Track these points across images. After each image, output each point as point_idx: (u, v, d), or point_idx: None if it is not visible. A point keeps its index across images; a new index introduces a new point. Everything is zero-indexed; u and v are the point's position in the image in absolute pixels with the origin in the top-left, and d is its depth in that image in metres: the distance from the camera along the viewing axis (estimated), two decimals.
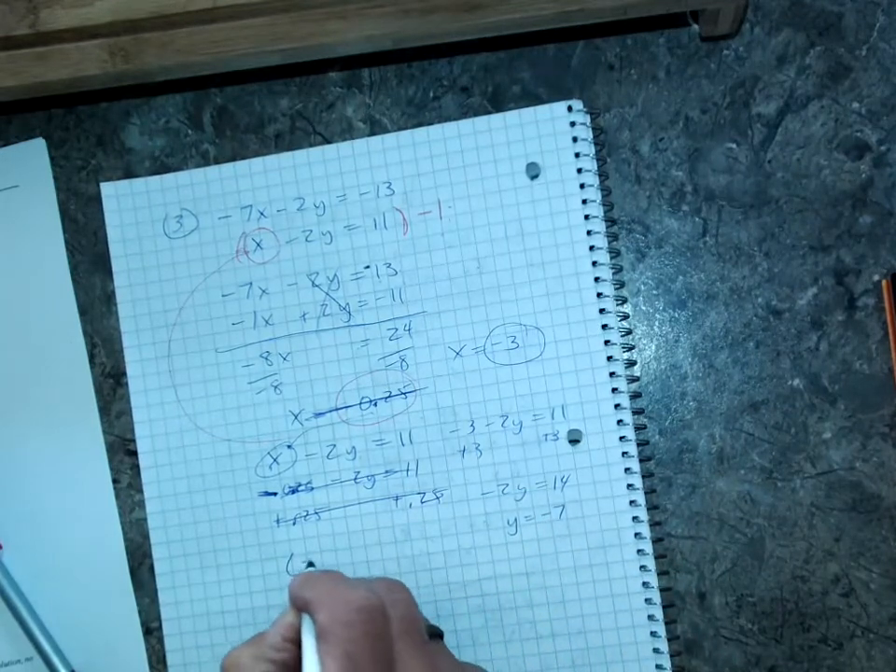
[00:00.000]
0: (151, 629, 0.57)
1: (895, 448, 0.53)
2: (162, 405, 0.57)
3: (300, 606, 0.46)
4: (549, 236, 0.54)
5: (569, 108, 0.54)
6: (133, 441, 0.57)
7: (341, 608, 0.45)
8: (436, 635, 0.49)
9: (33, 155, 0.59)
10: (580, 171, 0.54)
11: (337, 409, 0.55)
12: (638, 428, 0.54)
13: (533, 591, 0.53)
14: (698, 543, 0.54)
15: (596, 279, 0.54)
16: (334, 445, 0.55)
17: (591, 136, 0.55)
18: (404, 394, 0.55)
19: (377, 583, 0.47)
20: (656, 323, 0.55)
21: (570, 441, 0.54)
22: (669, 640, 0.53)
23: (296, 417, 0.56)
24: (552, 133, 0.55)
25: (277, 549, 0.56)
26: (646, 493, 0.53)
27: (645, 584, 0.53)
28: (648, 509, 0.53)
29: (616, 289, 0.54)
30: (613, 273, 0.54)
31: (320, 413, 0.56)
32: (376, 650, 0.44)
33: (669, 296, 0.55)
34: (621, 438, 0.53)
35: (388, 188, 0.56)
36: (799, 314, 0.54)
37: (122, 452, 0.57)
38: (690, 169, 0.55)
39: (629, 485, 0.53)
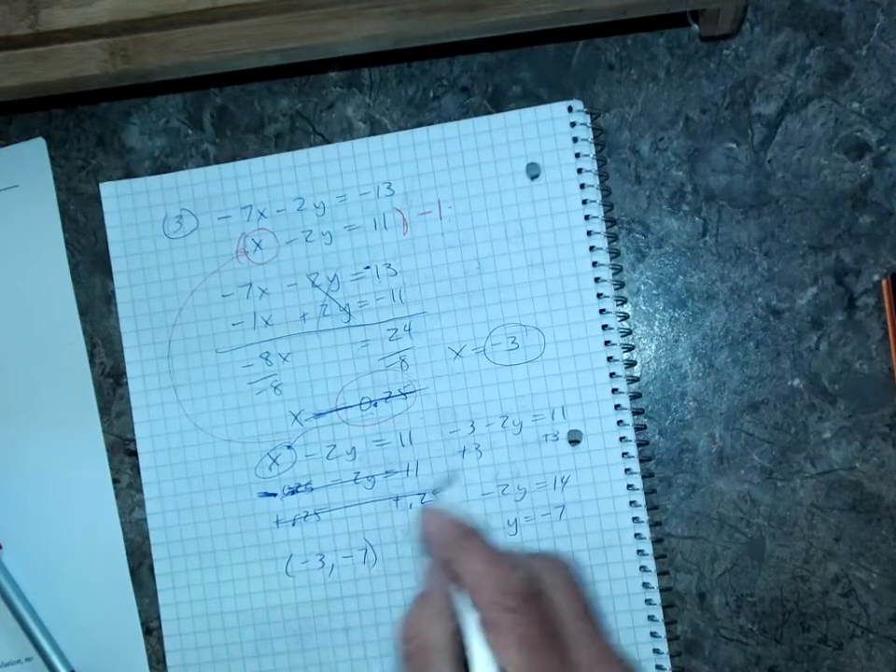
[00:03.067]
0: (151, 629, 0.57)
1: (895, 448, 0.53)
2: (162, 405, 0.57)
3: (444, 566, 0.44)
4: (549, 236, 0.54)
5: (570, 108, 0.54)
6: (133, 441, 0.57)
7: (501, 594, 0.42)
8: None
9: (33, 155, 0.59)
10: (580, 171, 0.54)
11: (337, 409, 0.55)
12: (638, 429, 0.54)
13: None
14: (698, 543, 0.54)
15: (596, 279, 0.54)
16: (334, 446, 0.55)
17: (591, 136, 0.55)
18: (404, 394, 0.55)
19: (536, 560, 0.44)
20: (656, 323, 0.55)
21: (570, 442, 0.54)
22: (669, 640, 0.53)
23: (296, 418, 0.56)
24: (552, 133, 0.55)
25: (277, 549, 0.56)
26: (646, 493, 0.53)
27: (645, 585, 0.53)
28: (648, 509, 0.53)
29: (616, 289, 0.54)
30: (613, 274, 0.54)
31: (320, 414, 0.56)
32: (546, 634, 0.42)
33: (669, 296, 0.55)
34: (621, 438, 0.53)
35: (388, 188, 0.56)
36: (799, 314, 0.54)
37: (122, 452, 0.57)
38: (690, 169, 0.55)
39: (629, 486, 0.53)
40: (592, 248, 0.54)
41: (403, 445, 0.55)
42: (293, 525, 0.55)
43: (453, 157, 0.55)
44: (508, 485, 0.54)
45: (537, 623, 0.42)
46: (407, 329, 0.55)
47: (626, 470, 0.53)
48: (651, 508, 0.54)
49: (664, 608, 0.53)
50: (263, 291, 0.56)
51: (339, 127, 0.57)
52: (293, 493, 0.56)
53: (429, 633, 0.44)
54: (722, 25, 0.52)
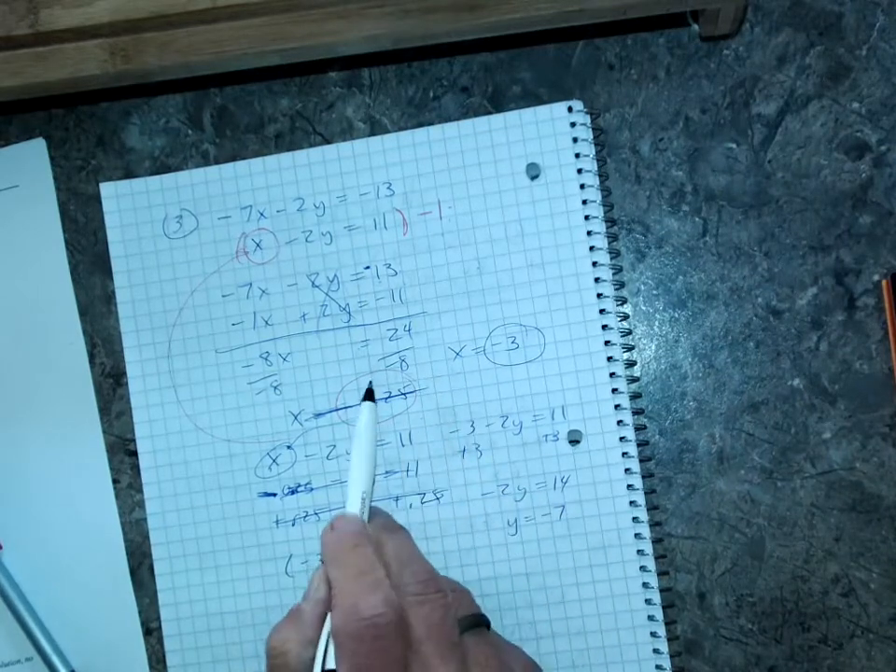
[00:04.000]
0: (151, 629, 0.57)
1: (895, 448, 0.53)
2: (162, 405, 0.57)
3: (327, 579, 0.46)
4: (549, 237, 0.54)
5: (570, 109, 0.54)
6: (133, 441, 0.57)
7: (352, 617, 0.44)
8: (475, 625, 0.48)
9: (33, 155, 0.59)
10: (580, 171, 0.54)
11: (337, 409, 0.55)
12: (638, 429, 0.54)
13: (533, 591, 0.53)
14: (698, 543, 0.54)
15: (596, 279, 0.54)
16: (334, 446, 0.55)
17: (591, 136, 0.55)
18: (404, 394, 0.55)
19: (410, 573, 0.47)
20: (656, 323, 0.55)
21: (570, 442, 0.54)
22: (669, 641, 0.53)
23: (296, 418, 0.56)
24: (552, 133, 0.55)
25: (276, 550, 0.55)
26: (646, 493, 0.53)
27: (645, 585, 0.53)
28: (648, 509, 0.53)
29: (616, 290, 0.54)
30: (613, 274, 0.54)
31: (320, 414, 0.56)
32: (388, 662, 0.44)
33: (669, 296, 0.55)
34: (621, 438, 0.53)
35: (388, 188, 0.56)
36: (799, 314, 0.54)
37: (122, 452, 0.57)
38: (690, 169, 0.55)
39: (629, 486, 0.53)
40: (592, 248, 0.54)
41: (403, 445, 0.55)
42: (293, 525, 0.55)
43: (453, 157, 0.55)
44: (508, 485, 0.54)
45: (378, 653, 0.44)
46: (407, 329, 0.55)
47: (626, 470, 0.53)
48: (651, 508, 0.54)
49: (664, 608, 0.53)
50: (263, 291, 0.56)
51: (339, 127, 0.57)
52: (293, 493, 0.56)
53: (291, 652, 0.46)
54: (722, 25, 0.52)
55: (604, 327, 0.54)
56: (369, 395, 0.53)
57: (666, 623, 0.53)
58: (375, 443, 0.53)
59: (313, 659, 0.46)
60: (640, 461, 0.54)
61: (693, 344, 0.55)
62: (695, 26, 0.55)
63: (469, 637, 0.47)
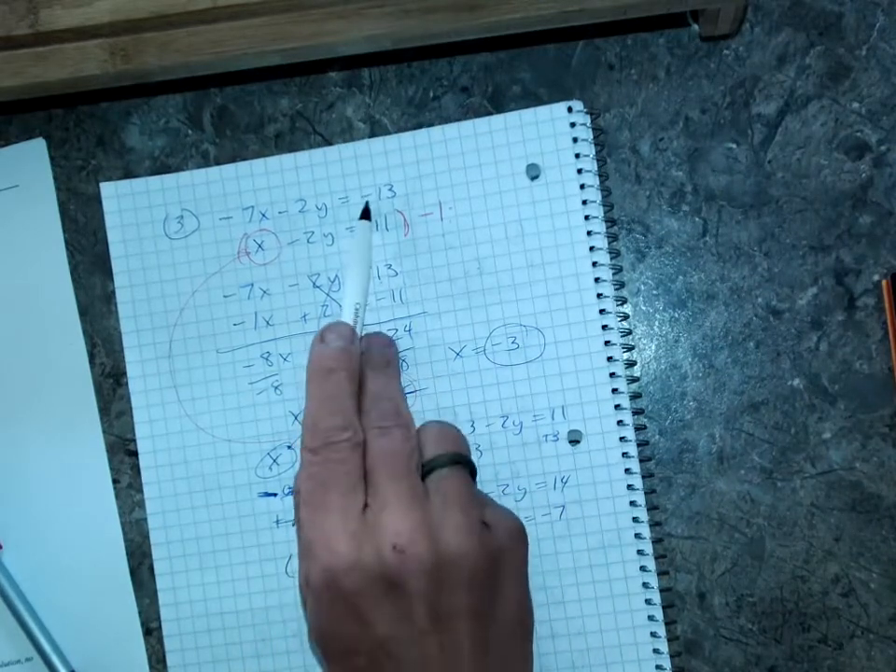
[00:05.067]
0: (151, 629, 0.57)
1: (895, 448, 0.53)
2: (163, 405, 0.57)
3: None
4: (549, 237, 0.54)
5: (569, 109, 0.54)
6: (134, 441, 0.57)
7: (310, 430, 0.47)
8: (454, 462, 0.49)
9: (33, 155, 0.59)
10: (580, 171, 0.54)
11: None
12: (638, 429, 0.54)
13: (533, 591, 0.53)
14: (698, 543, 0.54)
15: (597, 279, 0.54)
16: None
17: (591, 137, 0.55)
18: (404, 394, 0.55)
19: (379, 409, 0.49)
20: (656, 323, 0.55)
21: (570, 442, 0.54)
22: (669, 641, 0.53)
23: (296, 418, 0.56)
24: (552, 133, 0.55)
25: (277, 550, 0.55)
26: (646, 493, 0.53)
27: (645, 585, 0.53)
28: (648, 509, 0.53)
29: (616, 290, 0.54)
30: (613, 274, 0.54)
31: None
32: (342, 476, 0.46)
33: (669, 296, 0.55)
34: (621, 438, 0.53)
35: (390, 189, 0.56)
36: (799, 314, 0.54)
37: (122, 452, 0.57)
38: (690, 169, 0.55)
39: (629, 486, 0.53)
40: (592, 248, 0.54)
41: None
42: (293, 525, 0.55)
43: (453, 158, 0.55)
44: (508, 485, 0.54)
45: (332, 462, 0.46)
46: (407, 329, 0.55)
47: (626, 470, 0.53)
48: (651, 508, 0.54)
49: (664, 608, 0.53)
50: (265, 292, 0.56)
51: (339, 127, 0.57)
52: (293, 493, 0.56)
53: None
54: (722, 25, 0.52)
55: (604, 327, 0.54)
56: (365, 214, 0.54)
57: (666, 623, 0.53)
58: (370, 260, 0.54)
59: None
60: (640, 461, 0.54)
61: (692, 344, 0.55)
62: (695, 26, 0.55)
63: (443, 470, 0.48)
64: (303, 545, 0.48)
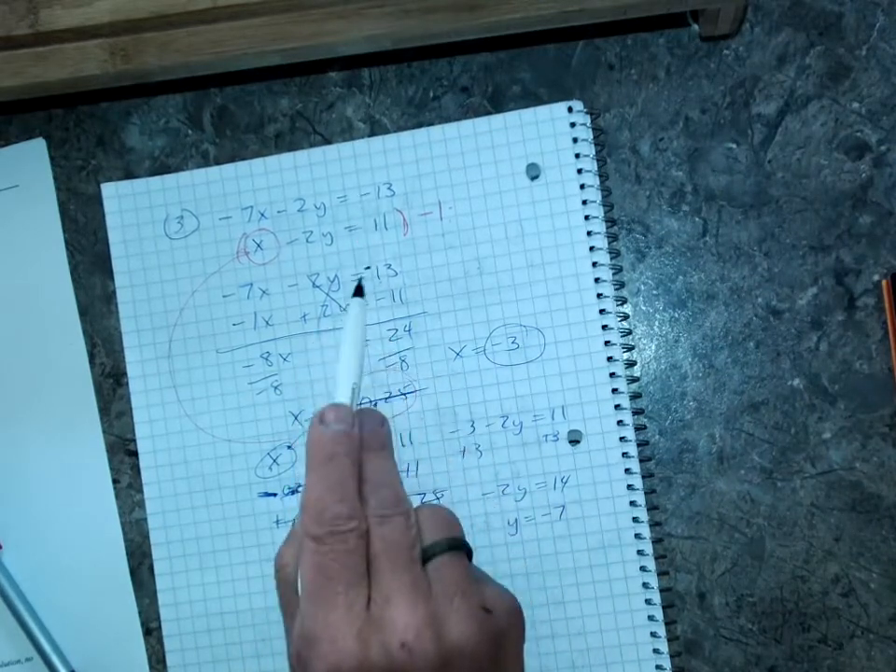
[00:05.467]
0: (151, 629, 0.57)
1: (895, 448, 0.53)
2: (163, 405, 0.57)
3: None
4: (549, 237, 0.54)
5: (570, 109, 0.54)
6: (134, 441, 0.57)
7: (315, 519, 0.45)
8: (453, 548, 0.48)
9: (33, 155, 0.59)
10: (580, 171, 0.54)
11: None
12: (638, 429, 0.54)
13: (533, 592, 0.54)
14: (698, 543, 0.54)
15: (597, 280, 0.54)
16: None
17: (591, 136, 0.55)
18: (404, 394, 0.55)
19: (379, 497, 0.48)
20: (656, 323, 0.55)
21: (570, 442, 0.54)
22: (669, 641, 0.53)
23: (296, 418, 0.56)
24: (552, 133, 0.55)
25: (277, 550, 0.55)
26: (646, 493, 0.53)
27: (645, 585, 0.53)
28: (648, 509, 0.53)
29: (616, 290, 0.54)
30: (613, 274, 0.54)
31: None
32: (347, 567, 0.45)
33: (669, 296, 0.55)
34: (621, 438, 0.53)
35: (389, 189, 0.56)
36: (799, 314, 0.54)
37: (122, 452, 0.57)
38: (690, 169, 0.55)
39: (629, 486, 0.53)
40: (592, 248, 0.54)
41: (403, 445, 0.55)
42: (293, 525, 0.55)
43: (453, 158, 0.55)
44: (508, 485, 0.54)
45: (338, 553, 0.45)
46: (407, 329, 0.55)
47: (626, 470, 0.53)
48: (651, 508, 0.54)
49: (664, 608, 0.53)
50: (264, 292, 0.56)
51: (339, 127, 0.57)
52: (293, 493, 0.56)
53: (289, 566, 0.48)
54: (722, 25, 0.52)
55: (604, 327, 0.54)
56: (358, 291, 0.52)
57: (666, 623, 0.53)
58: (365, 337, 0.53)
59: None
60: (640, 461, 0.54)
61: (693, 344, 0.55)
62: (695, 26, 0.55)
63: (443, 557, 0.47)
64: (305, 637, 0.46)
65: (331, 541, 0.45)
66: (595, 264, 0.54)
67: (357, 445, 0.49)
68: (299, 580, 0.46)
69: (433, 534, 0.48)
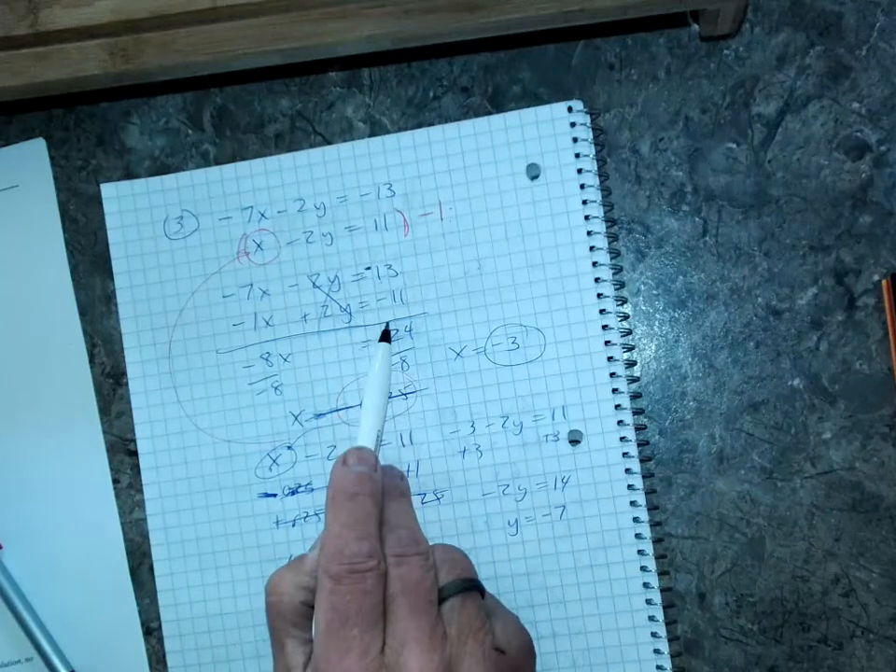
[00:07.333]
0: (151, 629, 0.57)
1: (895, 448, 0.53)
2: (163, 406, 0.57)
3: None
4: (549, 237, 0.54)
5: (570, 109, 0.54)
6: (134, 441, 0.57)
7: (335, 559, 0.45)
8: (466, 589, 0.48)
9: (33, 155, 0.59)
10: (580, 171, 0.54)
11: (337, 410, 0.55)
12: (638, 429, 0.54)
13: (534, 591, 0.54)
14: (698, 543, 0.54)
15: (597, 279, 0.54)
16: (335, 446, 0.55)
17: (591, 136, 0.55)
18: (405, 395, 0.55)
19: (396, 538, 0.48)
20: (656, 323, 0.55)
21: (571, 442, 0.54)
22: (669, 641, 0.53)
23: (296, 418, 0.56)
24: (552, 133, 0.55)
25: (277, 550, 0.55)
26: (646, 493, 0.54)
27: (645, 585, 0.53)
28: (648, 509, 0.53)
29: (616, 290, 0.54)
30: (613, 274, 0.54)
31: (321, 414, 0.56)
32: (365, 607, 0.45)
33: (669, 296, 0.55)
34: (621, 438, 0.53)
35: (389, 189, 0.56)
36: (799, 314, 0.54)
37: (122, 452, 0.57)
38: (690, 169, 0.55)
39: (629, 486, 0.53)
40: (592, 248, 0.54)
41: (403, 445, 0.55)
42: (293, 525, 0.55)
43: (453, 158, 0.55)
44: (508, 485, 0.54)
45: (356, 594, 0.45)
46: (408, 329, 0.55)
47: (626, 470, 0.53)
48: (652, 508, 0.54)
49: (664, 608, 0.53)
50: (264, 292, 0.56)
51: (339, 127, 0.57)
52: (293, 493, 0.56)
53: (285, 593, 0.48)
54: (722, 25, 0.52)
55: (604, 327, 0.54)
56: (385, 336, 0.54)
57: (667, 624, 0.53)
58: (389, 383, 0.54)
59: (303, 603, 0.47)
60: (640, 461, 0.54)
61: (692, 344, 0.55)
62: (695, 26, 0.55)
63: (457, 599, 0.47)
64: None
65: (349, 581, 0.45)
66: (595, 264, 0.54)
67: (378, 488, 0.49)
68: (314, 620, 0.46)
69: (446, 575, 0.48)
